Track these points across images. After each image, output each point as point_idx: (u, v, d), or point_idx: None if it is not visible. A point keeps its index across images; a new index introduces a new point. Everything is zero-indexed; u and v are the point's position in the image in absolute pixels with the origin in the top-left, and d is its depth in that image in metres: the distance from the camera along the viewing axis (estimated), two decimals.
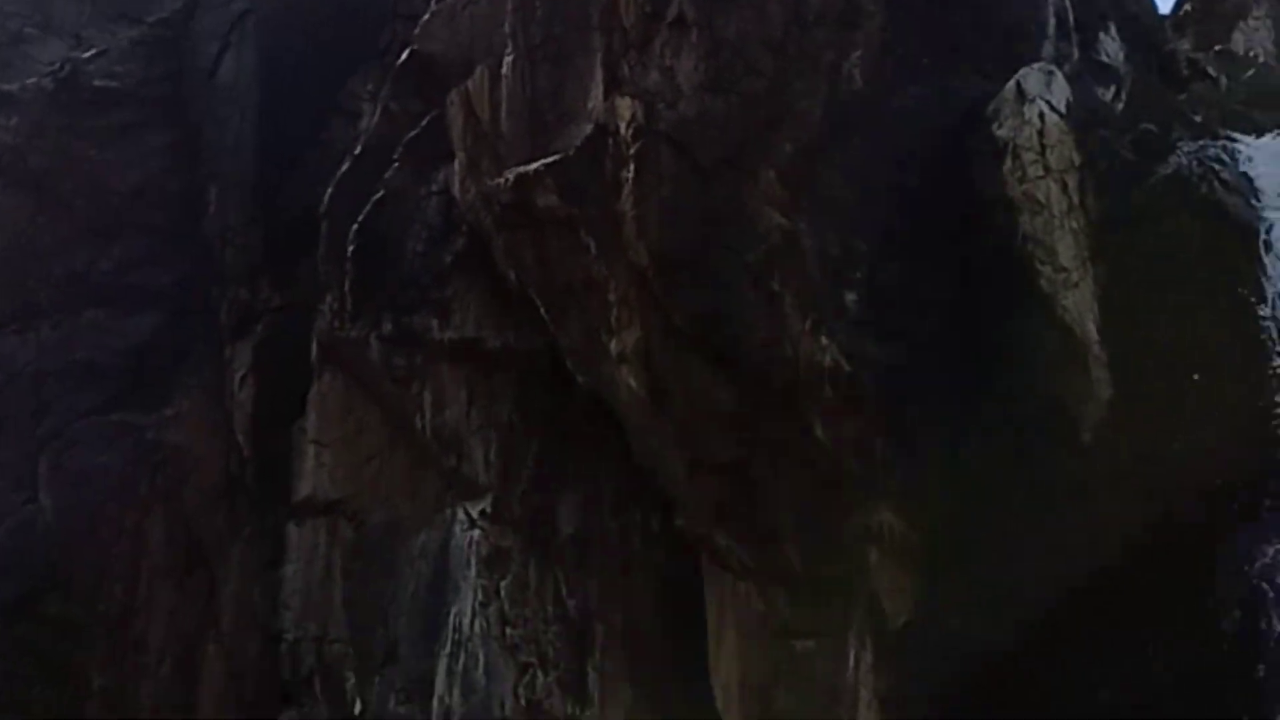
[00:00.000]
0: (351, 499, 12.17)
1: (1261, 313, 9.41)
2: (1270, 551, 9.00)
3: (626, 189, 10.72)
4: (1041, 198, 10.18)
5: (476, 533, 11.68)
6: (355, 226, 12.27)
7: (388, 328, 12.04)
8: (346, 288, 12.18)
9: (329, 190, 12.60)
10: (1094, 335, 9.90)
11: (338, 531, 12.19)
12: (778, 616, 10.50)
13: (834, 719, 10.26)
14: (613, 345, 10.84)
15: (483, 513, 11.68)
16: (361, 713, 11.72)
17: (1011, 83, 10.52)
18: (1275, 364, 9.26)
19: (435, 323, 11.96)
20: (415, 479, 12.07)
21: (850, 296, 10.48)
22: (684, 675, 10.92)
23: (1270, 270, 9.47)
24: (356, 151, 12.72)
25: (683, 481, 10.81)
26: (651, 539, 11.30)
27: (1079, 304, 9.98)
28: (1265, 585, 8.91)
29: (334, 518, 12.21)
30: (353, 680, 11.84)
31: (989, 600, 10.18)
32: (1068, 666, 9.62)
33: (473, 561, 11.65)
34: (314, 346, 12.44)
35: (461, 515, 11.79)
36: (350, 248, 12.22)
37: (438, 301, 11.97)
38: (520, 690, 11.24)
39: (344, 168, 12.67)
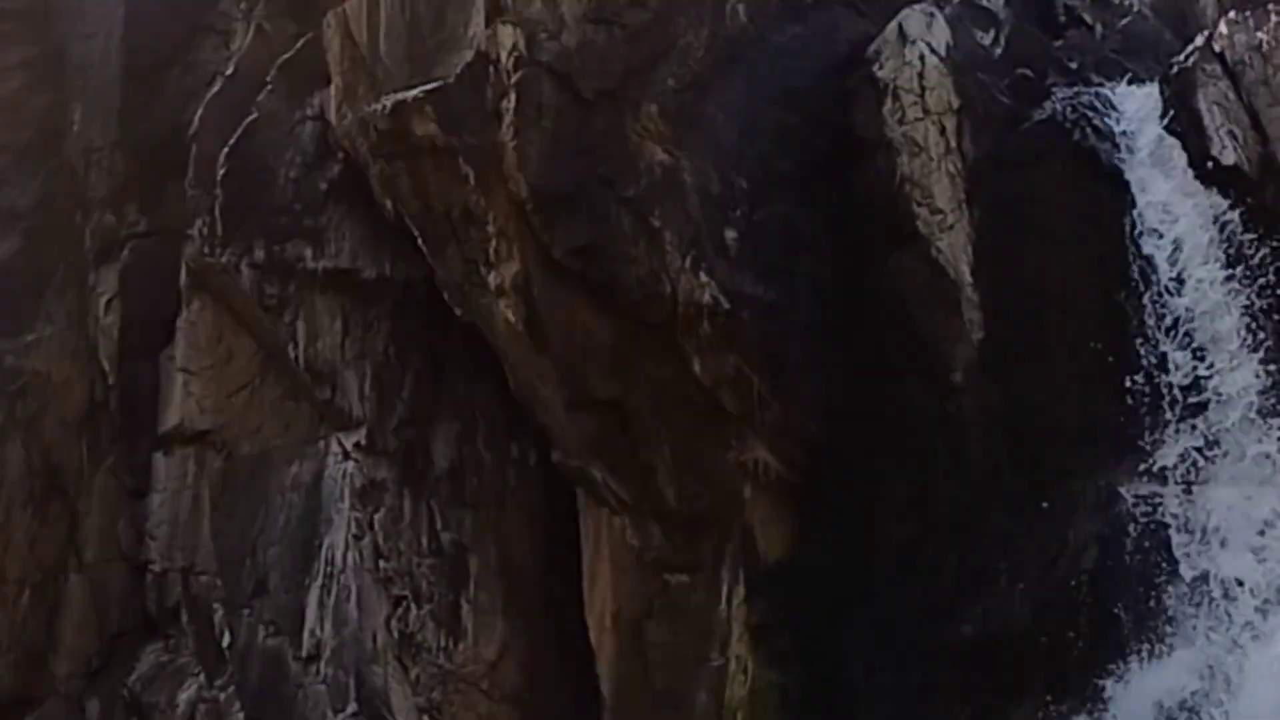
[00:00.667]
0: (221, 429, 12.25)
1: (1128, 259, 9.92)
2: (1128, 492, 9.57)
3: (507, 119, 10.90)
4: (920, 140, 10.58)
5: (350, 465, 11.85)
6: (226, 150, 12.28)
7: (259, 255, 12.09)
8: (216, 213, 12.20)
9: (198, 112, 12.59)
10: (967, 277, 10.35)
11: (206, 462, 12.28)
12: (652, 551, 10.88)
13: (706, 651, 10.72)
14: (491, 278, 11.05)
15: (357, 445, 11.84)
16: (229, 645, 11.88)
17: (893, 24, 10.88)
18: (1136, 310, 9.80)
19: (309, 251, 12.04)
20: (287, 410, 12.20)
21: (730, 234, 10.82)
22: (558, 609, 11.27)
23: (1136, 216, 9.98)
24: (228, 72, 12.72)
25: (560, 416, 11.09)
26: (527, 473, 11.59)
27: (954, 246, 10.42)
28: (1123, 525, 9.50)
29: (202, 448, 12.30)
30: (221, 612, 11.99)
31: (859, 536, 10.68)
32: (932, 601, 10.16)
33: (346, 494, 11.83)
34: (182, 273, 12.48)
35: (335, 447, 11.94)
36: (220, 172, 12.23)
37: (312, 230, 12.04)
38: (393, 623, 11.49)
39: (214, 89, 12.66)
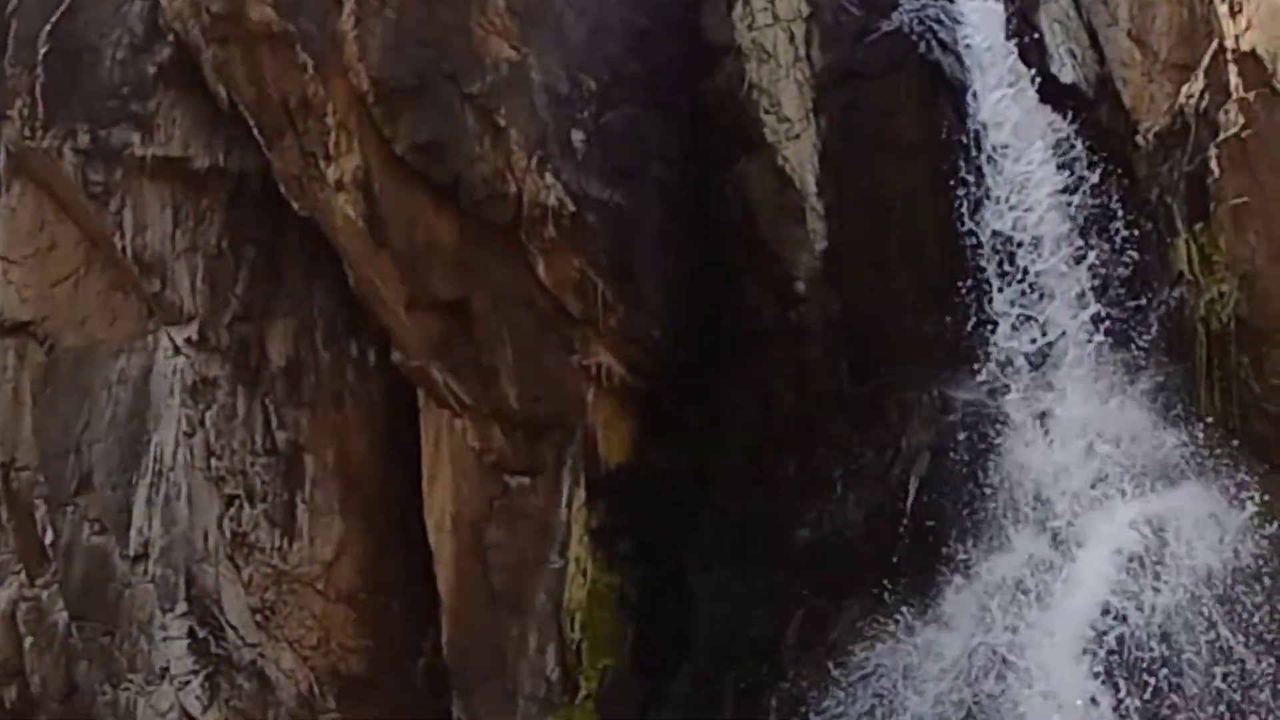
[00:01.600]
0: (43, 320, 12.22)
1: (969, 173, 10.48)
2: (960, 403, 10.22)
3: (348, 7, 10.96)
4: (769, 46, 10.97)
5: (181, 360, 11.93)
6: (48, 27, 12.14)
7: (84, 140, 12.01)
8: (37, 94, 12.07)
9: None
10: (812, 187, 10.83)
11: (27, 354, 12.25)
12: (493, 453, 11.23)
13: (545, 553, 11.17)
14: (330, 172, 11.17)
15: (188, 340, 11.91)
16: (52, 542, 11.97)
17: None
18: (975, 223, 10.38)
19: (137, 138, 11.99)
20: (114, 302, 12.21)
21: (577, 135, 11.11)
22: (397, 510, 11.59)
23: (978, 130, 10.52)
24: None
25: (400, 316, 11.31)
26: (367, 373, 11.82)
27: (799, 155, 10.87)
28: (954, 432, 10.15)
29: (23, 339, 12.25)
30: (43, 509, 12.03)
31: (700, 441, 11.22)
32: (770, 506, 10.75)
33: (176, 390, 11.92)
34: (2, 156, 12.37)
35: (165, 342, 12.01)
36: (42, 50, 12.09)
37: (140, 115, 11.98)
38: (225, 523, 11.67)
39: None
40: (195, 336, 11.88)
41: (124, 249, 12.00)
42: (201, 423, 11.84)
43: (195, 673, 11.44)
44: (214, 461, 11.76)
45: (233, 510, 11.68)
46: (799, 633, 10.31)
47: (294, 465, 11.70)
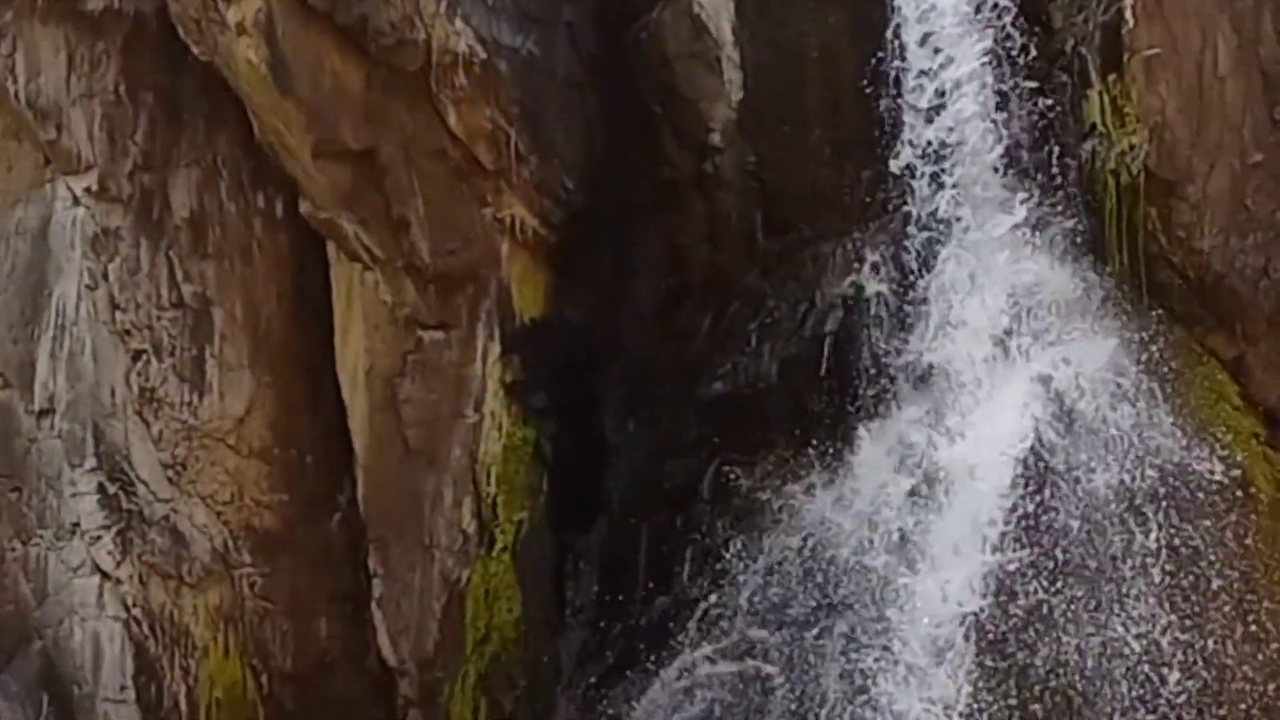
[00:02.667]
0: None
1: (886, 23, 10.79)
2: (873, 256, 10.67)
3: None
4: None
5: (81, 211, 12.06)
6: None
7: None
8: None
9: None
10: (728, 35, 11.07)
11: None
12: (405, 307, 11.54)
13: (460, 408, 11.58)
14: (230, 14, 11.24)
15: (87, 190, 12.02)
16: None
17: None
18: (892, 75, 10.73)
19: None
20: (9, 150, 12.28)
21: None
22: (309, 364, 11.91)
23: None
24: None
25: (307, 166, 11.46)
26: (274, 224, 12.02)
27: (715, 3, 11.11)
28: (867, 285, 10.61)
29: None
30: None
31: (613, 293, 11.62)
32: (685, 358, 11.21)
33: (77, 242, 12.08)
34: None
35: (63, 191, 12.11)
36: None
37: None
38: (132, 377, 11.93)
39: None
40: (95, 186, 11.99)
41: (16, 95, 12.05)
42: (104, 276, 12.03)
43: (106, 528, 11.79)
44: (119, 315, 11.97)
45: (140, 365, 11.93)
46: (713, 485, 10.85)
47: (201, 319, 11.93)
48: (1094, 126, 10.33)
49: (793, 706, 9.89)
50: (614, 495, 11.27)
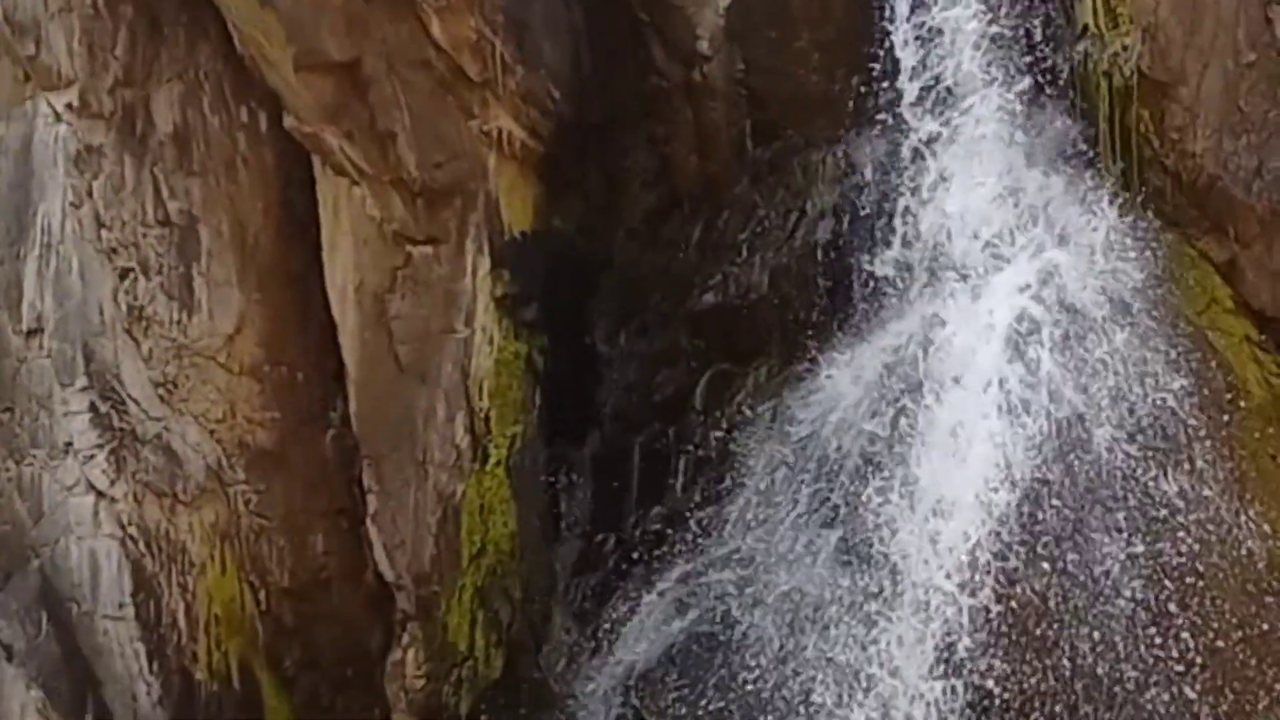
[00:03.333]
0: None
1: None
2: (864, 164, 10.83)
3: None
4: None
5: (63, 128, 12.16)
6: None
7: None
8: None
9: None
10: None
11: None
12: (393, 222, 11.71)
13: (451, 323, 11.78)
14: None
15: (68, 106, 12.12)
16: None
17: None
18: None
19: None
20: None
21: None
22: (298, 281, 12.10)
23: None
24: None
25: (290, 79, 11.51)
26: (259, 139, 12.14)
27: None
28: (858, 194, 10.79)
29: None
30: None
31: (602, 205, 11.81)
32: (675, 270, 11.42)
33: (60, 159, 12.20)
34: None
35: (45, 108, 12.20)
36: None
37: None
38: (120, 296, 12.11)
39: None
40: (76, 102, 12.09)
41: None
42: (89, 193, 12.17)
43: (100, 447, 12.03)
44: (104, 233, 12.14)
45: (127, 283, 12.11)
46: (705, 396, 11.09)
47: (188, 236, 12.10)
48: (1086, 28, 10.41)
49: (787, 616, 10.16)
50: (606, 408, 11.49)
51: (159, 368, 12.01)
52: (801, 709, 9.82)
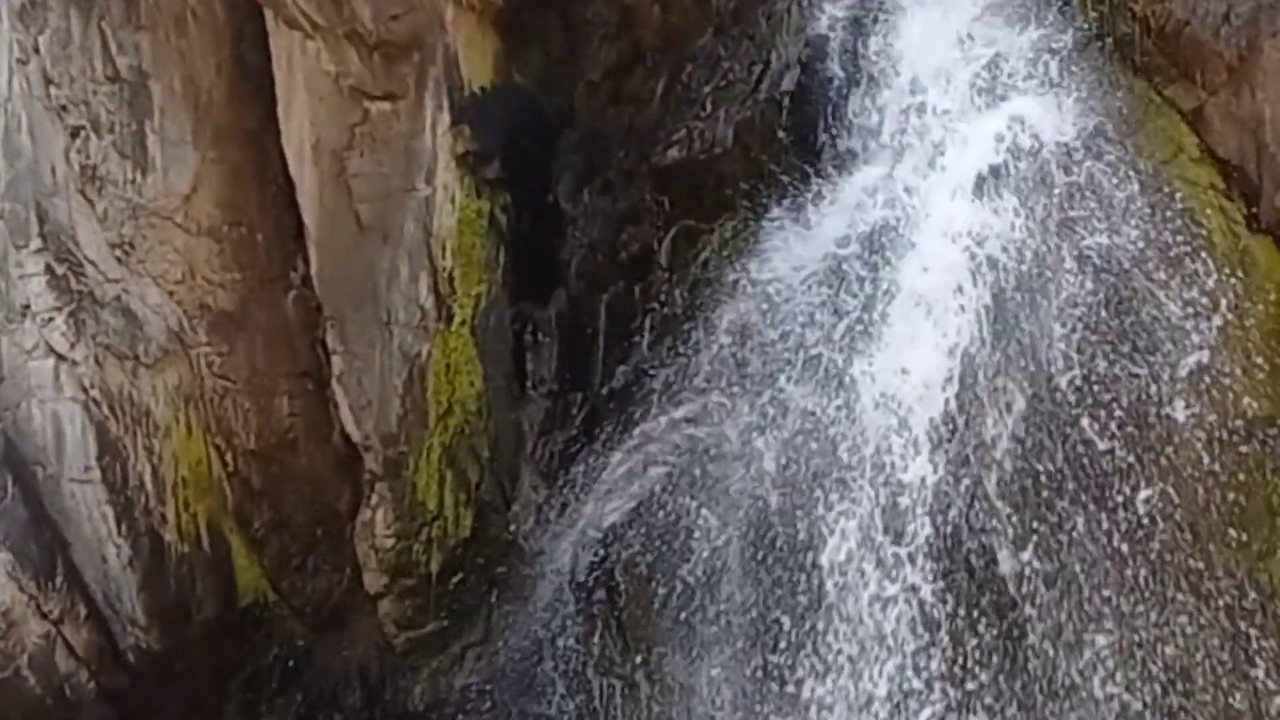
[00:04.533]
0: None
1: None
2: (829, 11, 11.11)
3: None
4: None
5: None
6: None
7: None
8: None
9: None
10: None
11: None
12: (350, 78, 11.85)
13: (412, 181, 12.06)
14: None
15: None
16: None
17: None
18: None
19: None
20: None
21: None
22: (255, 139, 12.33)
23: None
24: None
25: None
26: None
27: None
28: (823, 46, 11.07)
29: None
30: None
31: (563, 59, 12.07)
32: (637, 125, 11.72)
33: (4, 14, 12.26)
34: None
35: None
36: None
37: None
38: (72, 155, 12.30)
39: None
40: None
41: None
42: (35, 49, 12.29)
43: (58, 309, 12.29)
44: (53, 90, 12.29)
45: (79, 142, 12.27)
46: (670, 253, 11.47)
47: (139, 94, 12.24)
48: None
49: (753, 469, 10.64)
50: (571, 266, 11.82)
51: (115, 229, 12.25)
52: (767, 555, 10.21)
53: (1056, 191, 10.45)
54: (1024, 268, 10.30)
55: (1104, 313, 10.04)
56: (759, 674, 10.16)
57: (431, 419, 11.93)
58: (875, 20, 11.01)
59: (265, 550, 12.08)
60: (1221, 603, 9.73)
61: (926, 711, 9.81)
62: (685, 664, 10.59)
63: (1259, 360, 10.10)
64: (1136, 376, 10.06)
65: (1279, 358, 10.14)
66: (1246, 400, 10.07)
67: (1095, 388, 9.92)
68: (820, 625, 10.04)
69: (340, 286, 12.07)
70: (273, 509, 12.08)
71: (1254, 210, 10.40)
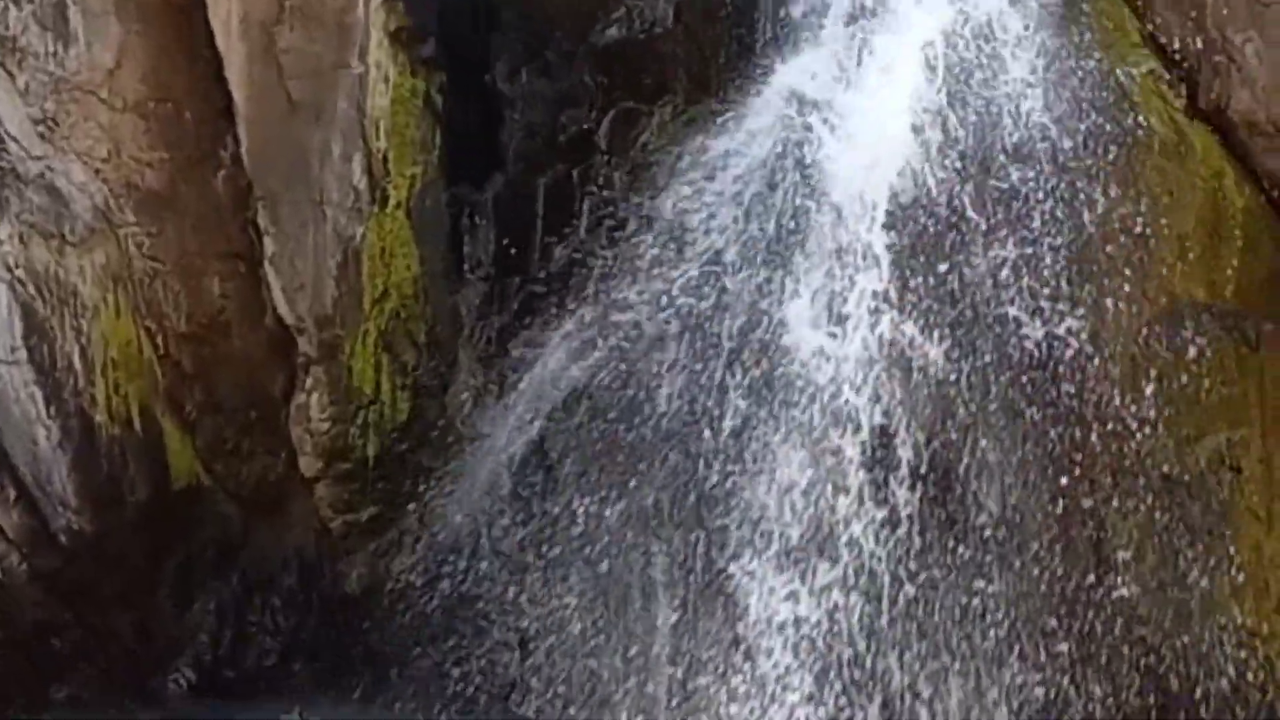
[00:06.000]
0: None
1: None
2: None
3: None
4: None
5: None
6: None
7: None
8: None
9: None
10: None
11: None
12: None
13: (344, 58, 12.28)
14: None
15: None
16: None
17: None
18: None
19: None
20: None
21: None
22: (181, 12, 12.29)
23: None
24: None
25: None
26: None
27: None
28: None
29: None
30: None
31: None
32: (575, 3, 12.14)
33: None
34: None
35: None
36: None
37: None
38: None
39: None
40: None
41: None
42: None
43: None
44: None
45: None
46: (609, 135, 12.03)
47: None
48: None
49: (694, 351, 11.27)
50: (509, 149, 12.31)
51: (37, 103, 12.43)
52: (708, 432, 10.80)
53: (1002, 74, 11.01)
54: (970, 145, 10.84)
55: (1038, 200, 10.66)
56: (692, 541, 10.72)
57: (367, 302, 12.37)
58: None
59: (198, 433, 12.49)
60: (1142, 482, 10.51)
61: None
62: (623, 542, 11.22)
63: (1192, 246, 10.83)
64: (1070, 258, 10.71)
65: (1212, 243, 10.88)
66: (1180, 285, 10.81)
67: (1024, 272, 10.57)
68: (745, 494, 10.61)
69: (271, 166, 12.41)
70: (205, 392, 12.44)
71: (1193, 97, 11.08)
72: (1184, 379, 10.62)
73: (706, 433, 10.91)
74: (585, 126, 12.08)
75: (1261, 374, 10.76)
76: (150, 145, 12.60)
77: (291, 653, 12.57)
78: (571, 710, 11.21)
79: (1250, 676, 10.48)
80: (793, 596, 10.51)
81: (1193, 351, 10.67)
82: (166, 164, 12.64)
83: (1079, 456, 10.57)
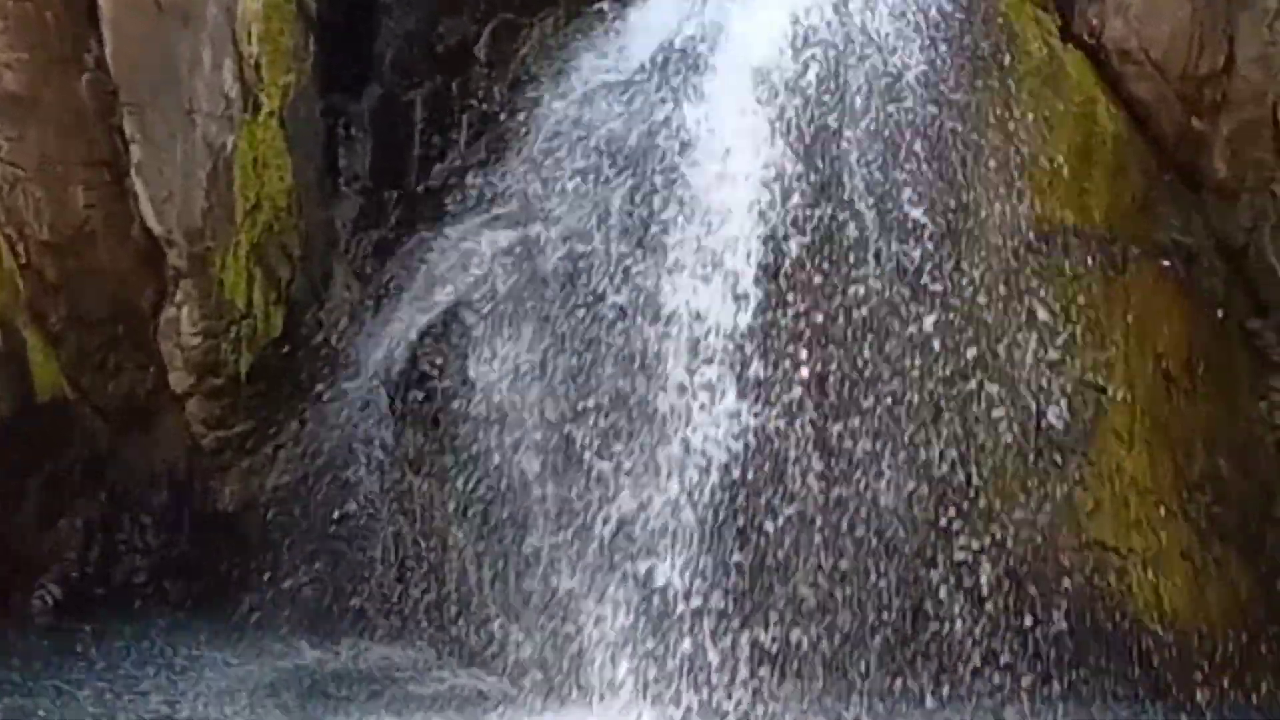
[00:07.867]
0: None
1: None
2: None
3: None
4: None
5: None
6: None
7: None
8: None
9: None
10: None
11: None
12: None
13: None
14: None
15: None
16: None
17: None
18: None
19: None
20: None
21: None
22: None
23: None
24: None
25: None
26: None
27: None
28: None
29: None
30: None
31: None
32: None
33: None
34: None
35: None
36: None
37: None
38: None
39: None
40: None
41: None
42: None
43: None
44: None
45: None
46: (489, 48, 12.88)
47: None
48: None
49: (571, 267, 12.24)
50: (386, 58, 13.01)
51: None
52: (587, 350, 11.64)
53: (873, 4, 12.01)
54: (856, 63, 11.82)
55: (913, 128, 11.75)
56: (572, 455, 11.60)
57: (239, 214, 13.04)
58: None
59: (63, 346, 13.05)
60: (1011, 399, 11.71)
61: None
62: (501, 457, 12.12)
63: (1064, 167, 12.03)
64: (943, 182, 11.85)
65: (1083, 168, 12.12)
66: (1052, 207, 12.02)
67: (903, 199, 11.72)
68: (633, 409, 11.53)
69: (138, 71, 12.99)
70: (70, 304, 12.97)
71: (1067, 24, 12.27)
72: (1053, 301, 11.78)
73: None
74: (465, 38, 12.80)
75: (1127, 297, 11.89)
76: (9, 47, 13.09)
77: (163, 571, 13.26)
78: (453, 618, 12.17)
79: (1099, 581, 11.72)
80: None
81: (1063, 274, 11.83)
82: (27, 65, 13.15)
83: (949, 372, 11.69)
